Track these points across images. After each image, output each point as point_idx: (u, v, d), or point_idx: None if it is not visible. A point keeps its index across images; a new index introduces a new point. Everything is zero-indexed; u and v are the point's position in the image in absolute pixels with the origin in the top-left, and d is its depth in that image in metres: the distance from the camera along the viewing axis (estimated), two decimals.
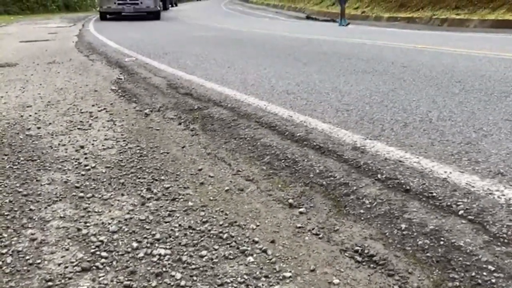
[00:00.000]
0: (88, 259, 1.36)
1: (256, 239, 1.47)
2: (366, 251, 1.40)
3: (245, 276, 1.28)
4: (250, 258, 1.37)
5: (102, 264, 1.34)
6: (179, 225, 1.56)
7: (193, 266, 1.33)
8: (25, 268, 1.32)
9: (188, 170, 2.08)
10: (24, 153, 2.30)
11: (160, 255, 1.38)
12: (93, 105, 3.32)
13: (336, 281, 1.27)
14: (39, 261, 1.35)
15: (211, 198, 1.78)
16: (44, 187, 1.89)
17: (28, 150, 2.34)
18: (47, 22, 15.65)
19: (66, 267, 1.32)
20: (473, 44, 7.03)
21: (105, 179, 1.97)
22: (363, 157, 1.99)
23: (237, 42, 7.91)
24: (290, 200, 1.74)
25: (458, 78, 3.95)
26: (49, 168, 2.09)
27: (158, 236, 1.48)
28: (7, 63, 5.54)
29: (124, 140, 2.50)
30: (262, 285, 1.25)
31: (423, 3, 16.56)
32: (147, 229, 1.54)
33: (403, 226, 1.49)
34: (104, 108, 3.23)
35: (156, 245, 1.44)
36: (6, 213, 1.64)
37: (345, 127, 2.45)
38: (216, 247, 1.43)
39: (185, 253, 1.39)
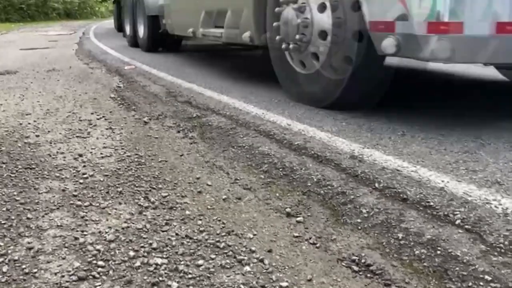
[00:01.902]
0: (85, 268, 1.35)
1: (253, 248, 1.47)
2: (363, 261, 1.40)
3: (242, 286, 1.27)
4: (247, 268, 1.36)
5: (98, 273, 1.33)
6: (176, 234, 1.56)
7: (190, 276, 1.32)
8: (21, 277, 1.31)
9: (186, 178, 2.08)
10: (22, 161, 2.30)
11: (156, 264, 1.38)
12: (92, 113, 3.33)
13: None
14: (35, 270, 1.35)
15: (209, 207, 1.78)
16: (42, 195, 1.89)
17: (26, 158, 2.35)
18: (47, 29, 15.73)
19: (63, 276, 1.32)
20: None
21: (103, 188, 1.97)
22: (360, 166, 1.99)
23: (235, 51, 7.94)
24: (288, 209, 1.74)
25: (456, 87, 3.96)
26: (47, 176, 2.10)
27: (155, 245, 1.48)
28: (7, 71, 5.56)
29: (122, 148, 2.51)
30: None
31: None
32: (144, 238, 1.53)
33: (400, 235, 1.49)
34: (103, 116, 3.24)
35: (153, 254, 1.44)
36: (3, 222, 1.64)
37: (343, 136, 2.45)
38: (213, 256, 1.42)
39: (182, 262, 1.39)
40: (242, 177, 2.09)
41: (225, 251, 1.46)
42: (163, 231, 1.58)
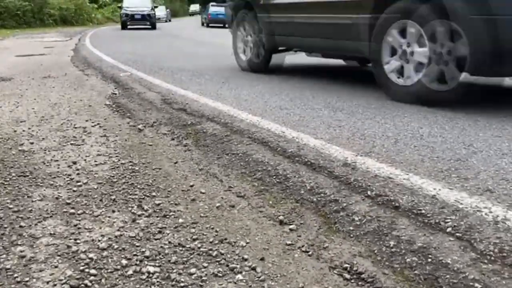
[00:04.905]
0: (77, 277, 1.35)
1: (246, 256, 1.48)
2: (354, 269, 1.40)
3: None
4: (239, 276, 1.37)
5: (91, 281, 1.33)
6: (169, 242, 1.56)
7: (182, 284, 1.33)
8: (12, 286, 1.31)
9: (180, 186, 2.08)
10: (16, 168, 2.30)
11: (149, 272, 1.38)
12: (86, 120, 3.33)
13: None
14: (27, 279, 1.35)
15: (202, 214, 1.79)
16: (35, 203, 1.89)
17: (20, 165, 2.34)
18: (43, 36, 15.72)
19: (55, 285, 1.32)
20: None
21: (96, 196, 1.97)
22: (353, 174, 2.01)
23: (230, 58, 7.96)
24: (281, 217, 1.75)
25: None
26: (41, 184, 2.09)
27: (147, 253, 1.48)
28: (2, 78, 5.55)
29: (116, 156, 2.51)
30: None
31: None
32: (137, 246, 1.54)
33: (392, 243, 1.50)
34: (98, 123, 3.24)
35: (146, 262, 1.44)
36: None
37: (337, 143, 2.47)
38: (206, 264, 1.43)
39: (174, 270, 1.39)
40: (235, 184, 2.09)
41: (218, 259, 1.46)
42: (156, 239, 1.58)
